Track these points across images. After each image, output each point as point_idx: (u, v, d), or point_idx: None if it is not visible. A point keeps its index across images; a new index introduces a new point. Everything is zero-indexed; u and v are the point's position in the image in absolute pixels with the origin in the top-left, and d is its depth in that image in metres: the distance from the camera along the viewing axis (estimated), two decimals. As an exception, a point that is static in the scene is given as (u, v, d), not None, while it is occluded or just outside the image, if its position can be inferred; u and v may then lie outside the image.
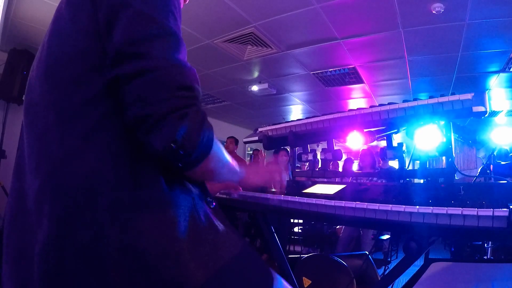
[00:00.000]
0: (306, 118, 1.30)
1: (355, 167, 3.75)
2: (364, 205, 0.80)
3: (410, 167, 1.14)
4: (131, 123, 0.53)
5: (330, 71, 4.23)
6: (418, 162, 1.08)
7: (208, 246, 0.57)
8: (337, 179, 1.42)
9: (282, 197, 1.02)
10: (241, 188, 1.23)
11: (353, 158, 1.58)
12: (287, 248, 3.78)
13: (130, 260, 0.48)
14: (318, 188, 1.15)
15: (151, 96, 0.52)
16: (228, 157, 0.68)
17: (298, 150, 1.46)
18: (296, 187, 1.29)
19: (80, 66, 0.55)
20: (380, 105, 1.07)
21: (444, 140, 0.96)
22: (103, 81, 0.54)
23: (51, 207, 0.50)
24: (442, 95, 0.93)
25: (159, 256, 0.50)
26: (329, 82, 4.61)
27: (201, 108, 0.57)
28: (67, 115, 0.54)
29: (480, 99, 0.87)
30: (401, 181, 1.09)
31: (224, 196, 1.27)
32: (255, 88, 4.85)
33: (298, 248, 3.92)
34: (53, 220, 0.49)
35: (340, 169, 1.34)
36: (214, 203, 0.68)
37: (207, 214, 0.61)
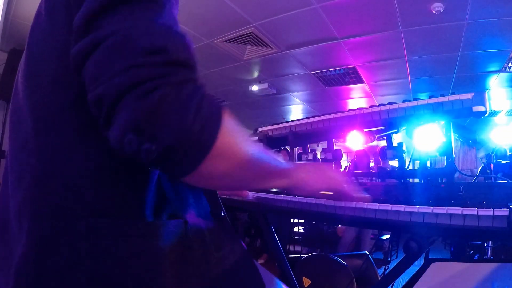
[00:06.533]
0: (306, 118, 1.29)
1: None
2: (364, 205, 0.80)
3: (410, 167, 1.14)
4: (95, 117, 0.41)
5: (330, 71, 4.23)
6: (418, 162, 1.08)
7: (196, 279, 0.52)
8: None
9: (282, 197, 1.02)
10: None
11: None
12: (287, 248, 3.78)
13: None
14: (318, 188, 1.14)
15: (104, 71, 0.38)
16: (260, 152, 0.49)
17: (298, 150, 1.46)
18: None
19: (58, 65, 0.47)
20: (380, 105, 1.06)
21: (444, 140, 0.95)
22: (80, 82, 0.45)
23: (30, 225, 0.46)
24: (442, 95, 0.93)
25: None
26: (329, 82, 4.61)
27: (192, 78, 0.40)
28: (45, 123, 0.47)
29: (480, 98, 0.87)
30: (401, 181, 1.09)
31: (224, 196, 1.27)
32: (255, 88, 4.85)
33: (298, 248, 3.92)
34: (30, 240, 0.46)
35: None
36: (222, 213, 0.62)
37: (200, 237, 0.55)
